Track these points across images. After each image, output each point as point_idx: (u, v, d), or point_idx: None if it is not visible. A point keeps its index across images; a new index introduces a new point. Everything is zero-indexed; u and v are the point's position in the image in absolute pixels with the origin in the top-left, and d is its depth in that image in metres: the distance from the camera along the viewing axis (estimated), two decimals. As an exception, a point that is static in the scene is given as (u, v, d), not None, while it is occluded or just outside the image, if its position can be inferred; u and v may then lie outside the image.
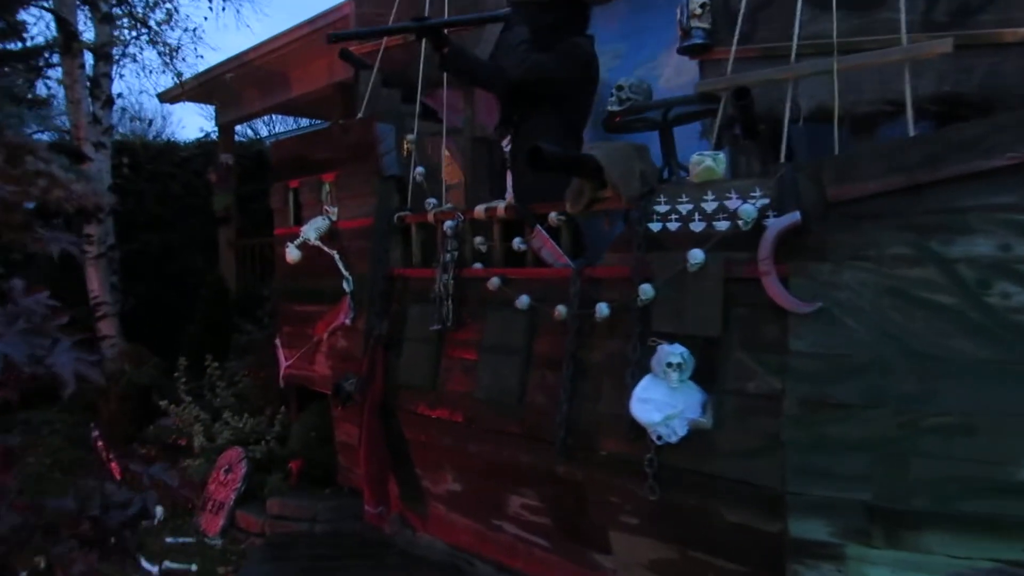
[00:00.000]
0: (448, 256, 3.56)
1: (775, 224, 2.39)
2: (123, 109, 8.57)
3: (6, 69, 7.90)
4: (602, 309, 2.81)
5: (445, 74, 4.18)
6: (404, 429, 3.77)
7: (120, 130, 10.15)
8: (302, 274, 4.56)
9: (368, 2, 4.76)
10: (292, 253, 4.32)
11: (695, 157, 2.63)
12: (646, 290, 2.67)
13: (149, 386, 6.02)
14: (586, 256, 3.02)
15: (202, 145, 10.73)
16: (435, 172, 4.10)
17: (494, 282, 3.30)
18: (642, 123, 3.22)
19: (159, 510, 5.03)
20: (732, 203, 2.53)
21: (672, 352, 2.53)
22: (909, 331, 2.20)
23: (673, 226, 2.70)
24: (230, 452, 4.75)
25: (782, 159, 2.58)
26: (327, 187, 4.43)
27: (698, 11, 3.13)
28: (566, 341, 2.95)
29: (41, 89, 8.60)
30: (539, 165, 2.70)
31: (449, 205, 3.80)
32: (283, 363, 4.82)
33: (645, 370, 2.64)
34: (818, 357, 2.30)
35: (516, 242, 3.31)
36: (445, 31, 3.55)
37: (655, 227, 2.76)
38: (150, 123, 8.87)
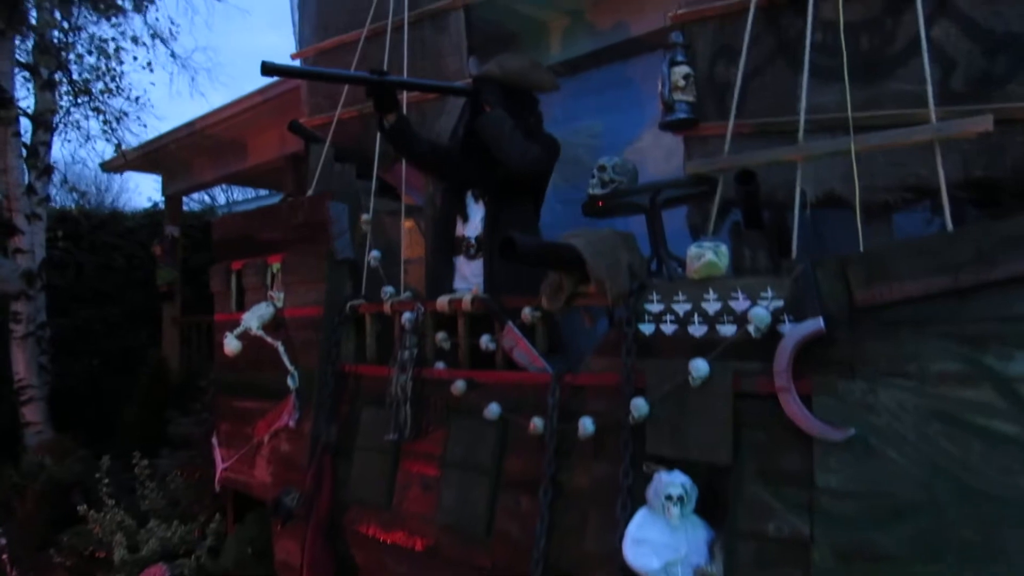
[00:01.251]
0: (406, 353, 3.12)
1: (794, 332, 2.01)
2: (64, 179, 8.05)
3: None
4: (586, 425, 2.39)
5: None
6: (354, 553, 3.26)
7: (58, 200, 9.60)
8: (243, 366, 4.06)
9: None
10: (231, 344, 3.83)
11: (693, 249, 2.26)
12: (639, 405, 2.25)
13: (71, 484, 5.38)
14: (566, 360, 2.61)
15: (150, 215, 10.24)
16: (393, 255, 3.69)
17: (459, 386, 2.87)
18: (626, 207, 2.86)
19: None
20: (739, 304, 2.16)
21: (672, 482, 2.11)
22: (965, 466, 1.81)
23: (668, 329, 2.31)
24: (152, 570, 4.16)
25: (794, 253, 2.22)
26: (273, 270, 3.98)
27: (681, 83, 2.81)
28: (543, 461, 2.51)
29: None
30: (513, 256, 2.30)
31: (408, 294, 3.38)
32: (219, 464, 4.28)
33: (639, 501, 2.22)
34: (854, 496, 1.90)
35: (484, 340, 2.90)
36: (400, 92, 3.22)
37: (647, 329, 2.37)
38: (82, 194, 8.34)
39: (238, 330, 3.85)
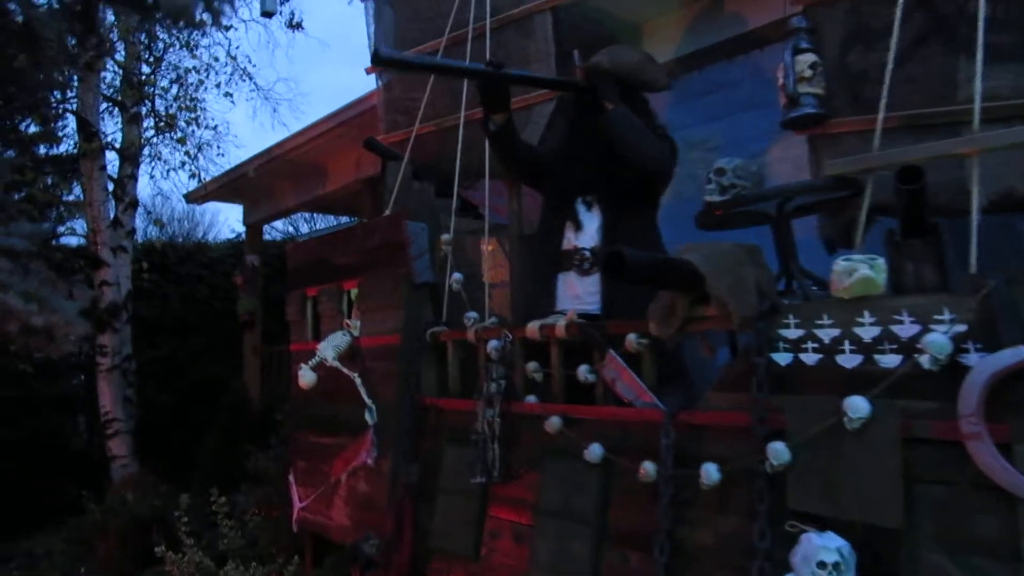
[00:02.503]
0: (493, 386, 2.80)
1: (986, 364, 1.60)
2: (148, 212, 8.14)
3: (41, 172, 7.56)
4: (710, 472, 2.01)
5: (488, 162, 3.52)
6: (438, 607, 2.93)
7: (146, 232, 9.77)
8: (319, 399, 3.83)
9: (398, 87, 4.23)
10: (306, 376, 3.59)
11: (842, 263, 1.87)
12: (778, 451, 1.87)
13: (151, 521, 5.26)
14: (681, 394, 2.24)
15: (233, 245, 10.33)
16: (475, 277, 3.40)
17: (553, 423, 2.53)
18: (748, 217, 2.48)
19: None
20: (906, 329, 1.75)
21: (826, 547, 1.71)
22: None
23: (811, 359, 1.92)
24: (229, 617, 3.94)
25: (972, 266, 1.80)
26: (349, 296, 3.75)
27: (807, 73, 2.43)
28: (657, 512, 2.14)
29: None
30: (620, 273, 1.96)
31: (494, 319, 3.07)
32: (296, 503, 4.04)
33: (781, 567, 1.82)
34: (1081, 575, 1.46)
35: (582, 371, 2.55)
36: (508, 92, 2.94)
37: (782, 359, 1.98)
38: (162, 226, 8.42)
39: (313, 361, 3.61)
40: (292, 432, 4.30)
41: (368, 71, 4.23)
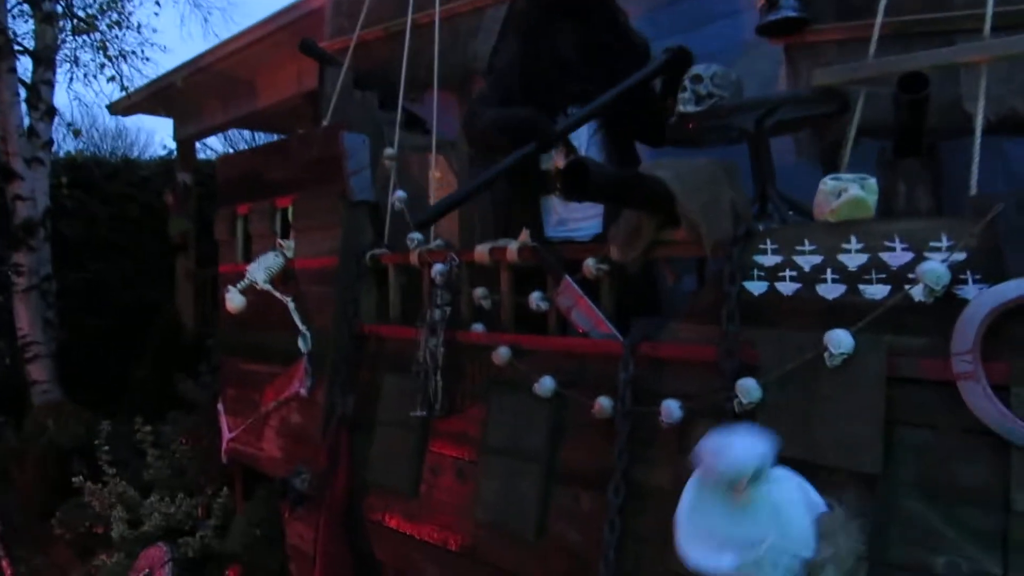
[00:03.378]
0: (438, 313, 2.58)
1: (987, 297, 1.43)
2: (68, 124, 7.53)
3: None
4: (672, 410, 1.84)
5: (437, 73, 3.19)
6: (374, 546, 2.76)
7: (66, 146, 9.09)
8: (249, 325, 3.56)
9: (343, -10, 3.84)
10: (234, 300, 3.32)
11: (829, 182, 1.68)
12: (748, 388, 1.70)
13: (71, 450, 4.96)
14: (642, 325, 2.05)
15: (165, 163, 9.72)
16: (421, 197, 3.14)
17: (502, 353, 2.33)
18: (722, 133, 2.27)
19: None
20: (897, 257, 1.58)
21: (736, 461, 1.47)
22: None
23: (788, 288, 1.74)
24: (151, 551, 3.72)
25: (972, 187, 1.62)
26: (282, 214, 3.45)
27: (788, -23, 2.19)
28: (614, 451, 1.97)
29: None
30: (581, 190, 1.73)
31: (439, 242, 2.83)
32: (226, 434, 3.80)
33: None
34: (1077, 528, 1.34)
35: (535, 298, 2.34)
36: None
37: (756, 288, 1.80)
38: (78, 134, 7.82)
39: (242, 283, 3.34)
40: (222, 359, 4.02)
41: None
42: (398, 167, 3.10)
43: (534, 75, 2.70)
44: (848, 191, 1.63)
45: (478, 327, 2.52)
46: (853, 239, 1.65)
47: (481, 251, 2.54)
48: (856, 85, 1.88)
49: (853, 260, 1.65)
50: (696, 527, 1.56)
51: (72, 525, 4.30)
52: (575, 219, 2.78)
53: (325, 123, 3.33)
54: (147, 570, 3.62)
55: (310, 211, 3.28)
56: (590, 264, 2.18)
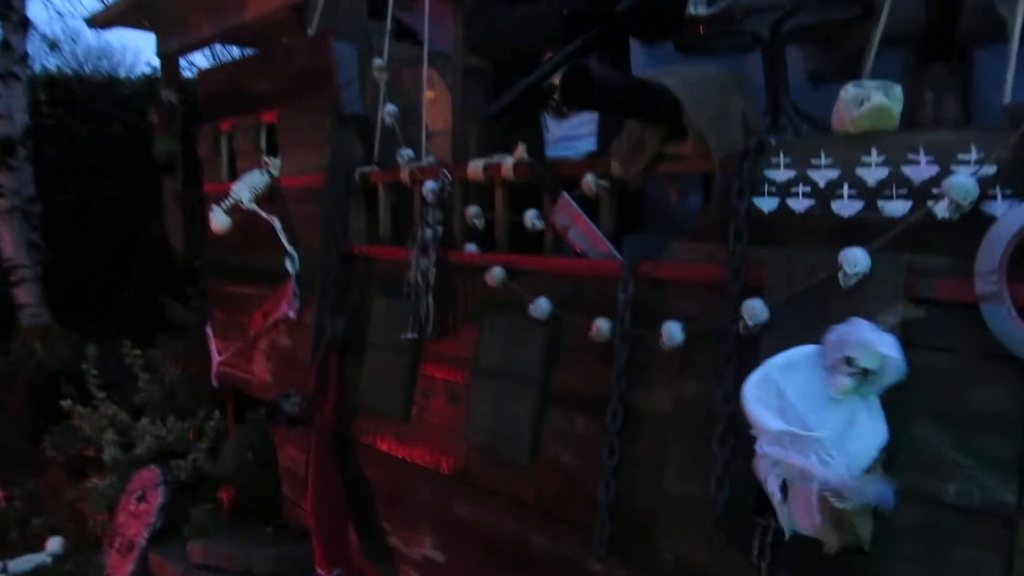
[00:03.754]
0: (429, 232, 2.48)
1: (1017, 214, 1.33)
2: (45, 38, 7.21)
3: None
4: (673, 332, 1.76)
5: None
6: (365, 468, 2.73)
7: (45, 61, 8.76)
8: (236, 246, 3.45)
9: None
10: (218, 219, 3.21)
11: (851, 90, 1.55)
12: (755, 309, 1.61)
13: (59, 373, 4.90)
14: (643, 244, 1.96)
15: (150, 81, 9.39)
16: (412, 113, 2.99)
17: (495, 274, 2.24)
18: (733, 39, 2.12)
19: (58, 542, 3.99)
20: (920, 171, 1.47)
21: (867, 346, 1.38)
22: None
23: (801, 205, 1.64)
24: (144, 473, 3.69)
25: (1007, 96, 1.50)
26: (267, 130, 3.30)
27: None
28: (611, 375, 1.90)
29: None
30: (583, 98, 1.61)
31: (431, 159, 2.70)
32: (215, 357, 3.74)
33: (745, 438, 1.60)
34: (1098, 455, 1.28)
35: (530, 216, 2.24)
36: None
37: (767, 205, 1.70)
38: (54, 46, 7.49)
39: (227, 203, 3.21)
40: (209, 282, 3.93)
41: None
42: (388, 80, 2.93)
43: None
44: (871, 99, 1.51)
45: (471, 247, 2.42)
46: (874, 151, 1.54)
47: (475, 167, 2.42)
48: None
49: (873, 174, 1.54)
50: (771, 383, 1.45)
51: (63, 448, 4.28)
52: (569, 137, 2.65)
53: (311, 32, 3.14)
54: (140, 492, 3.61)
55: (296, 126, 3.14)
56: (589, 180, 2.07)
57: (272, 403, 2.88)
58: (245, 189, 3.20)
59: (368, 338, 2.72)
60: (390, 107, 2.81)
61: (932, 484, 1.42)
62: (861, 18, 1.88)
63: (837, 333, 1.42)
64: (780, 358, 1.48)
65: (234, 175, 3.48)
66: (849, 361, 1.39)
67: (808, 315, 1.57)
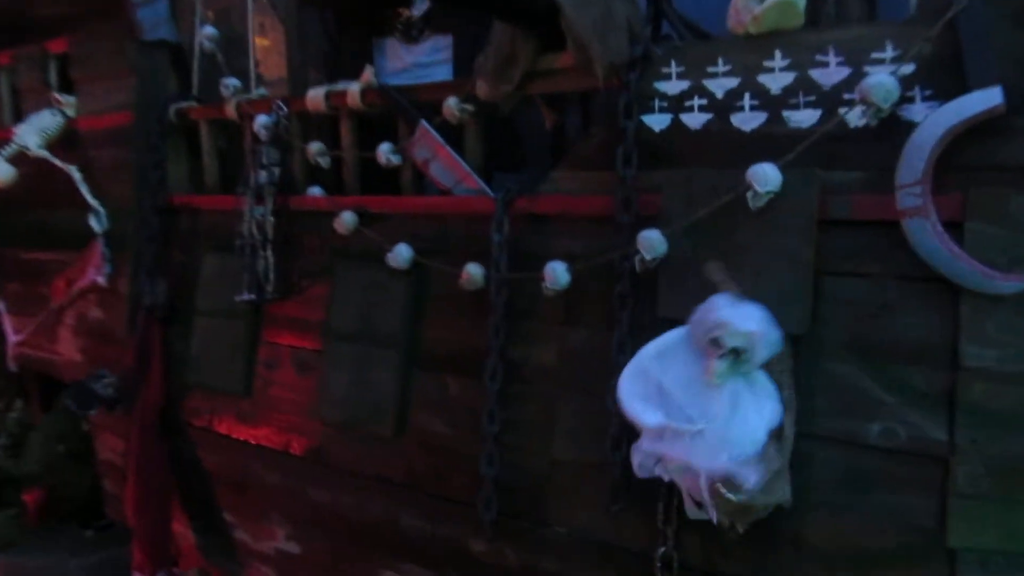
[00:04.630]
0: (264, 175, 2.13)
1: (942, 116, 1.19)
2: None
3: None
4: (558, 273, 1.54)
5: None
6: (201, 455, 2.37)
7: None
8: (27, 203, 2.91)
9: None
10: (2, 171, 2.66)
11: (748, -16, 1.36)
12: (652, 241, 1.42)
13: None
14: (518, 175, 1.72)
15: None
16: (238, 44, 2.58)
17: (346, 220, 1.94)
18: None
19: None
20: (830, 74, 1.31)
21: (734, 325, 1.26)
22: None
23: (696, 121, 1.46)
24: (-74, 480, 3.11)
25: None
26: (58, 62, 2.78)
27: None
28: (488, 327, 1.66)
29: None
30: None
31: (262, 90, 2.33)
32: (11, 337, 3.19)
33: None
34: (1029, 382, 1.17)
35: (384, 151, 1.94)
36: None
37: (658, 123, 1.50)
38: None
39: (8, 150, 2.67)
40: (-3, 248, 3.33)
41: None
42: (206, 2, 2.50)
43: None
44: (773, -6, 1.33)
45: (315, 190, 2.10)
46: (777, 54, 1.37)
47: (315, 96, 2.08)
48: None
49: (777, 81, 1.37)
50: (647, 375, 1.35)
51: None
52: (421, 65, 2.34)
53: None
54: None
55: (93, 56, 2.65)
56: (452, 105, 1.79)
57: (77, 385, 2.44)
58: (32, 133, 2.68)
59: (197, 303, 2.34)
60: (208, 29, 2.40)
61: (854, 426, 1.29)
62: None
63: (696, 314, 1.31)
64: (652, 347, 1.38)
65: (19, 118, 2.91)
66: (716, 343, 1.27)
67: (712, 244, 1.39)
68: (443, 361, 1.79)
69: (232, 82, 2.33)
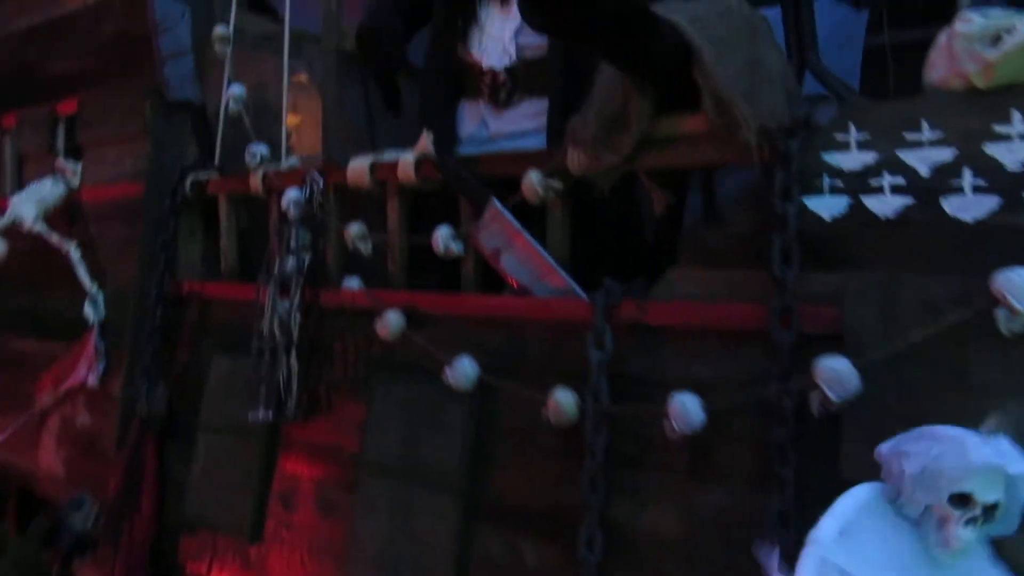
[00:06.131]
0: (291, 261, 1.80)
1: None
2: None
3: None
4: (689, 410, 1.17)
5: None
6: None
7: None
8: (18, 284, 2.63)
9: None
10: (-10, 246, 2.39)
11: (976, 20, 1.03)
12: (840, 375, 1.03)
13: None
14: (621, 279, 1.36)
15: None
16: (266, 101, 2.32)
17: (391, 322, 1.59)
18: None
19: None
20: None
21: (983, 472, 0.91)
22: None
23: (889, 206, 1.10)
24: None
25: None
26: (66, 125, 2.55)
27: None
28: (582, 477, 1.27)
29: None
30: (550, 16, 1.00)
31: (295, 159, 2.04)
32: (-10, 439, 2.85)
33: None
34: None
35: (443, 237, 1.59)
36: None
37: (829, 207, 1.14)
38: None
39: (2, 222, 2.40)
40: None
41: None
42: (234, 55, 2.25)
43: None
44: (1016, 32, 0.98)
45: (353, 282, 1.76)
46: (1017, 118, 1.01)
47: (358, 168, 1.77)
48: None
49: (1015, 152, 1.01)
50: (835, 570, 0.95)
51: None
52: (508, 135, 1.97)
53: (127, -10, 2.42)
54: None
55: (104, 116, 2.41)
56: (534, 181, 1.45)
57: (55, 519, 2.07)
58: (30, 203, 2.42)
59: (202, 416, 1.99)
60: (236, 88, 2.13)
61: None
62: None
63: (920, 462, 0.94)
64: (830, 525, 0.98)
65: (22, 187, 2.66)
66: (964, 500, 0.91)
67: (929, 382, 1.00)
68: (516, 517, 1.40)
69: (260, 149, 2.04)
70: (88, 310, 2.32)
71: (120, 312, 2.29)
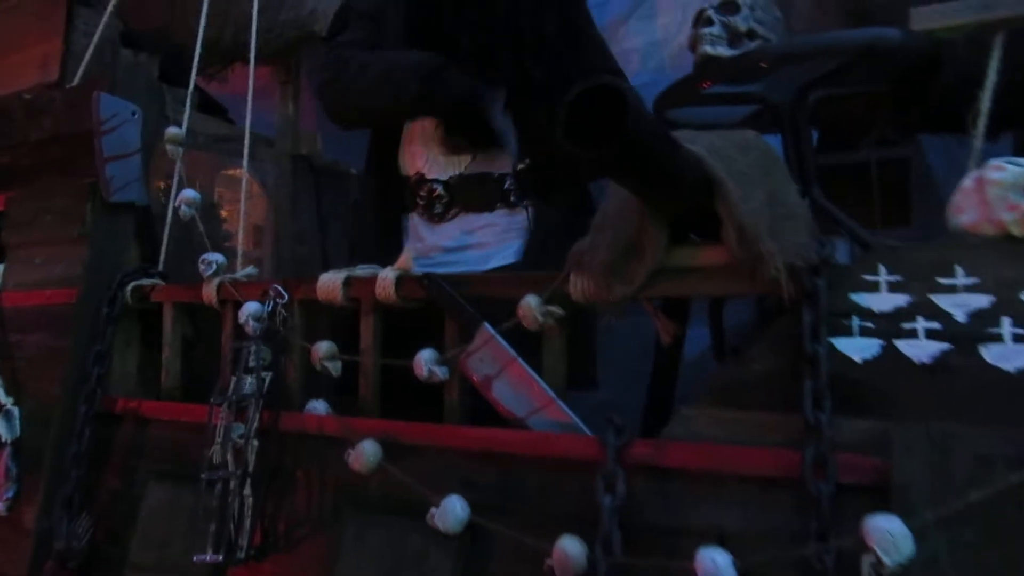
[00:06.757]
0: (248, 382, 1.65)
1: None
2: None
3: None
4: (718, 568, 1.07)
5: (254, 44, 2.26)
6: None
7: None
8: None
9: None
10: None
11: (1009, 168, 1.03)
12: (894, 538, 0.97)
13: None
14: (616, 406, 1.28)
15: None
16: (213, 218, 2.22)
17: (367, 453, 1.45)
18: (740, 101, 1.57)
19: None
20: None
21: None
22: None
23: (924, 351, 1.06)
24: None
25: None
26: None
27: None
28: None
29: None
30: (600, 138, 0.94)
31: (252, 269, 1.92)
32: None
33: None
34: None
35: (425, 360, 1.49)
36: None
37: (859, 349, 1.10)
38: None
39: (-95, 328, 2.17)
40: None
41: None
42: (188, 162, 2.14)
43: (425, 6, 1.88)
44: (1052, 181, 0.98)
45: (318, 406, 1.62)
46: (1060, 266, 1.00)
47: (330, 283, 1.65)
48: (983, 31, 1.26)
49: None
50: None
51: None
52: (444, 248, 1.95)
53: (75, 83, 2.30)
54: None
55: (35, 218, 2.22)
56: (532, 306, 1.38)
57: None
58: (-61, 309, 2.18)
59: (131, 555, 1.76)
60: (189, 192, 2.00)
61: None
62: (925, 77, 1.40)
63: None
64: None
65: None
66: None
67: (988, 547, 0.94)
68: None
69: (215, 258, 1.90)
70: (2, 427, 2.08)
71: (39, 430, 2.05)
